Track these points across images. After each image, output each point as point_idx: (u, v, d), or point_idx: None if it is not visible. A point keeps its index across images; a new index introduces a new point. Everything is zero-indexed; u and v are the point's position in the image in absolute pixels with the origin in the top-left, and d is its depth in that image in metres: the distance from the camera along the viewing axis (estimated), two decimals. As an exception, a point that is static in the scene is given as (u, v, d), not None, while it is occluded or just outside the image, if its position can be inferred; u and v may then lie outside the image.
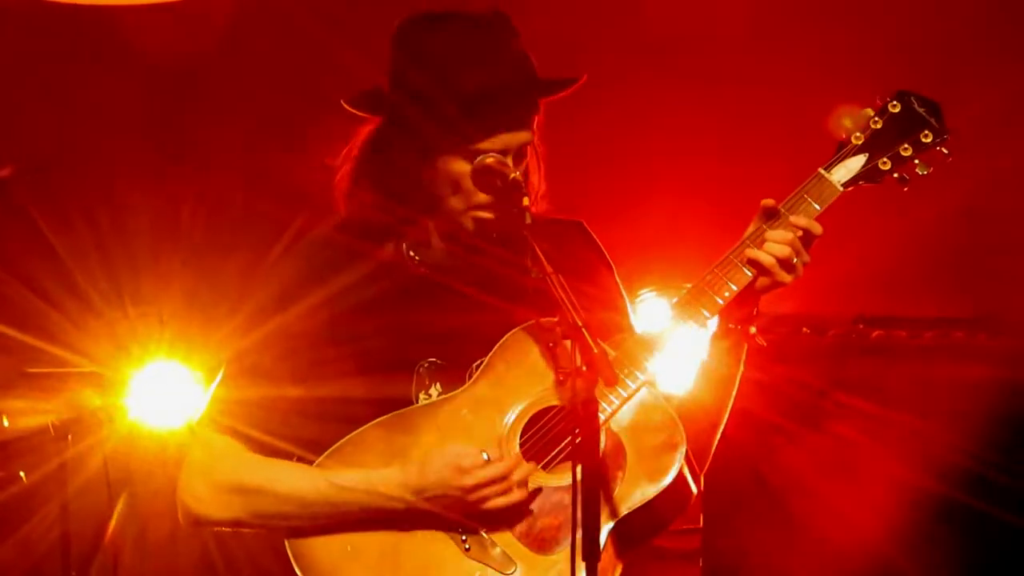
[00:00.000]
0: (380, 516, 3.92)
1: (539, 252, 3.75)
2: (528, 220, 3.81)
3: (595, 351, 3.57)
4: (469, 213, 4.02)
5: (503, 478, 3.86)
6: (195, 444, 4.10)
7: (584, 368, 3.55)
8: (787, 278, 3.99)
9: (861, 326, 6.13)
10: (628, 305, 4.24)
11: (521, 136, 4.00)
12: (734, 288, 3.99)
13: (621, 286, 4.25)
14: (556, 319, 3.73)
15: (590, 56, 6.72)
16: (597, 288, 4.15)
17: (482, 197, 3.99)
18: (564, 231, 4.21)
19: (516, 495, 3.87)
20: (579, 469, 3.53)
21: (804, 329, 6.01)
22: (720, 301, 3.98)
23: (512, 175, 3.89)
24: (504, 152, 3.96)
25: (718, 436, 4.18)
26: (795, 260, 3.98)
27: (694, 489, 4.00)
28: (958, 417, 5.80)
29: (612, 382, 3.71)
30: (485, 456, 3.88)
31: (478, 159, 3.94)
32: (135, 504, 6.68)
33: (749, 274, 3.99)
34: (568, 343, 3.64)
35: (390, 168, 4.05)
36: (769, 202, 4.02)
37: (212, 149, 6.99)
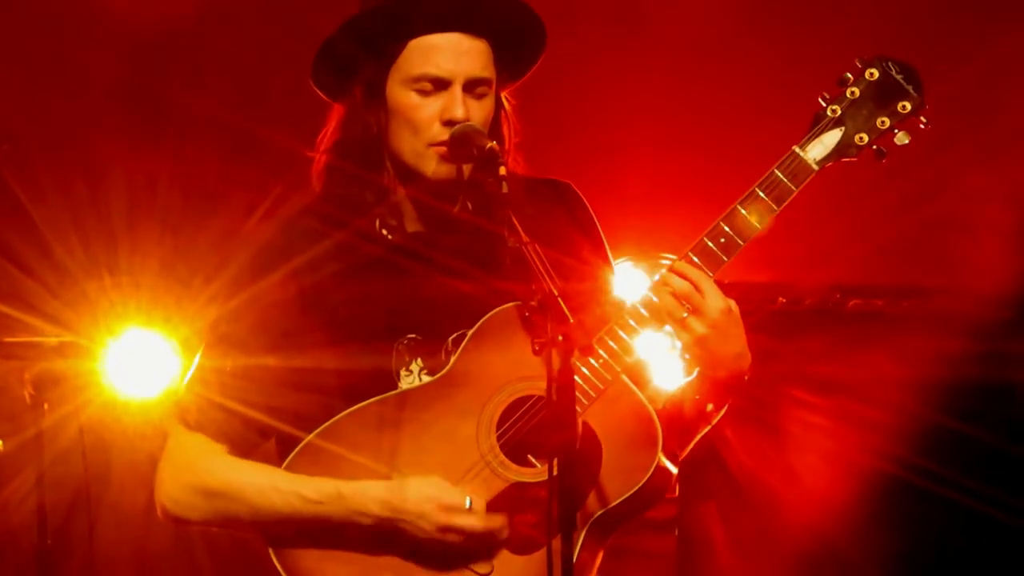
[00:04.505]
0: (351, 527, 3.93)
1: (515, 221, 3.71)
2: (505, 189, 3.77)
3: (571, 321, 3.55)
4: (429, 151, 3.99)
5: (474, 532, 3.87)
6: (171, 442, 4.09)
7: (560, 338, 3.53)
8: (683, 337, 3.89)
9: (838, 295, 6.13)
10: (613, 276, 4.19)
11: (459, 57, 3.97)
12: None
13: (609, 254, 4.20)
14: (535, 296, 3.72)
15: (573, 22, 6.72)
16: (577, 257, 4.11)
17: (435, 129, 3.96)
18: (550, 194, 4.18)
19: (479, 547, 3.88)
20: (562, 456, 3.51)
21: (780, 298, 6.00)
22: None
23: (489, 144, 3.86)
24: (448, 81, 3.95)
25: (694, 441, 4.12)
26: (684, 315, 3.88)
27: (673, 470, 3.97)
28: (932, 386, 5.81)
29: (588, 352, 3.70)
30: (468, 502, 3.86)
31: (453, 129, 3.93)
32: (110, 473, 6.68)
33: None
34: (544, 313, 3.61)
35: (360, 137, 4.04)
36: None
37: (189, 118, 6.96)
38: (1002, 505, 5.91)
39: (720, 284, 3.95)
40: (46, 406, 6.34)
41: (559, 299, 3.59)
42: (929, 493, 5.91)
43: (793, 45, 6.74)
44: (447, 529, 3.86)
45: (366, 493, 3.90)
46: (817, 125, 3.96)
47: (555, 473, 3.51)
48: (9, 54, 6.90)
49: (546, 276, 3.64)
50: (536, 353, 3.64)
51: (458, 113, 3.95)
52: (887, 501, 5.95)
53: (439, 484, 3.88)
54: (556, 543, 3.52)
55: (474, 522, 3.86)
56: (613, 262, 4.22)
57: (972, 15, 6.79)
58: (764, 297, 6.00)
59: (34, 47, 6.94)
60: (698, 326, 3.87)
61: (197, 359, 4.10)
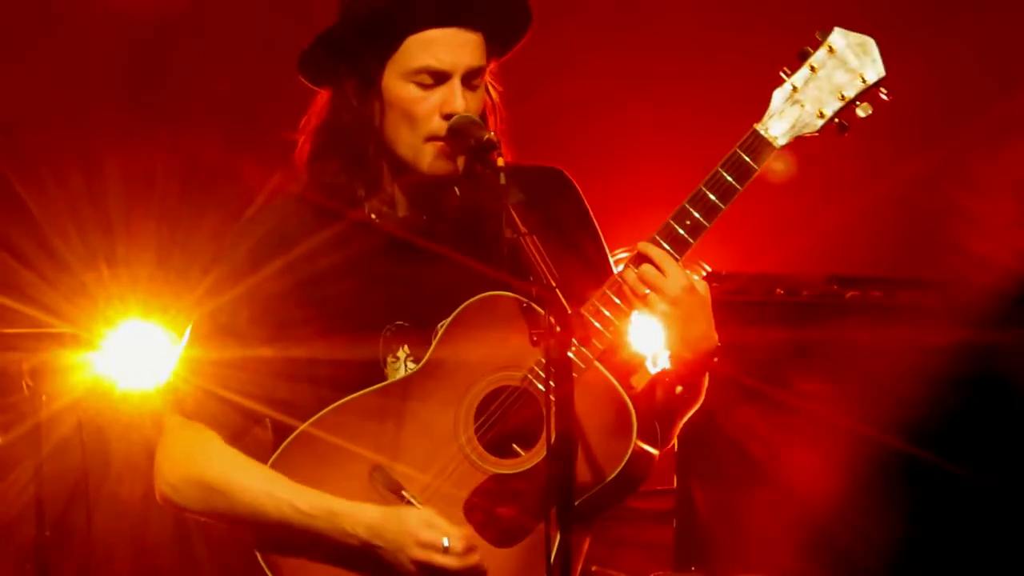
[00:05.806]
0: (338, 546, 3.92)
1: (513, 213, 3.71)
2: (503, 180, 3.77)
3: (569, 312, 3.54)
4: (427, 147, 3.98)
5: (451, 572, 3.84)
6: (169, 431, 4.09)
7: (558, 329, 3.52)
8: (647, 316, 3.87)
9: (835, 286, 6.12)
10: (610, 260, 4.17)
11: (458, 50, 3.96)
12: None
13: (602, 239, 4.19)
14: (533, 287, 3.69)
15: (565, 13, 6.72)
16: (573, 244, 4.10)
17: (435, 123, 3.96)
18: (542, 182, 4.16)
19: None
20: (555, 439, 3.51)
21: (778, 290, 6.00)
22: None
23: (487, 135, 3.87)
24: (448, 74, 3.95)
25: (678, 425, 4.12)
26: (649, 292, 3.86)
27: (653, 453, 3.96)
28: (924, 377, 5.81)
29: (586, 342, 3.69)
30: (445, 542, 3.83)
31: (452, 121, 3.93)
32: (109, 465, 6.68)
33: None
34: (541, 304, 3.60)
35: (353, 128, 4.04)
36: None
37: (187, 109, 6.96)
38: (997, 497, 5.92)
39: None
40: (44, 398, 6.33)
41: (557, 290, 3.58)
42: (927, 482, 5.91)
43: (788, 40, 6.73)
44: (424, 566, 3.85)
45: (356, 515, 3.90)
46: (777, 101, 3.93)
47: (554, 457, 3.52)
48: (5, 44, 6.90)
49: (544, 267, 3.63)
50: (534, 344, 3.62)
51: (458, 106, 3.95)
52: (885, 490, 5.95)
53: (426, 519, 3.87)
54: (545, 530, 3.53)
55: (450, 562, 3.84)
56: (606, 246, 4.21)
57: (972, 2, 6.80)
58: (762, 288, 5.99)
59: (30, 38, 6.94)
60: (659, 303, 3.86)
61: (193, 349, 4.10)
